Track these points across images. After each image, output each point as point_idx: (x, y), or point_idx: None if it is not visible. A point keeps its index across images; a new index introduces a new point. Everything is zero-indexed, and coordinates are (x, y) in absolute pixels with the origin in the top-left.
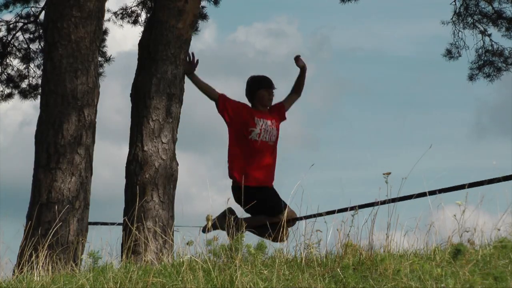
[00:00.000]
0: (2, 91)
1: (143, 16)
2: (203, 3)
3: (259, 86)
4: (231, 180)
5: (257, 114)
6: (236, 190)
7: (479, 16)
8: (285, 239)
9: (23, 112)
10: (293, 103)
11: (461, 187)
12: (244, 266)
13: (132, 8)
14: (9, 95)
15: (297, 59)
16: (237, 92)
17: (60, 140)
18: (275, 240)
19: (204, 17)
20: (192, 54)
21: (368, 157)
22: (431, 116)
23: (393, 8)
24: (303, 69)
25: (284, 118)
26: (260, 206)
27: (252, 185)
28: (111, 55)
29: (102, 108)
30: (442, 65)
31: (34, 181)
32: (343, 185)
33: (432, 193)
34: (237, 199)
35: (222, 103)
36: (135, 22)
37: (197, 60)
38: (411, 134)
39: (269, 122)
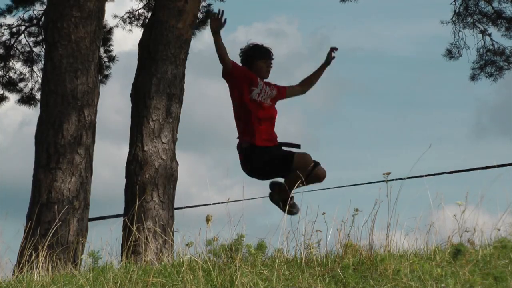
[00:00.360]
0: (2, 93)
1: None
2: (209, 1)
3: (258, 56)
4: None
5: (258, 77)
6: (244, 151)
7: (478, 16)
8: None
9: (23, 112)
10: (293, 96)
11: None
12: (244, 266)
13: (139, 11)
14: (3, 99)
15: (332, 51)
16: None
17: (60, 140)
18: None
19: (213, 15)
20: (222, 11)
21: (368, 157)
22: (431, 116)
23: (393, 8)
24: (327, 64)
25: (283, 97)
26: (273, 164)
27: (259, 144)
28: (115, 55)
29: (102, 108)
30: (442, 65)
31: (34, 181)
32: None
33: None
34: (247, 163)
35: (233, 70)
36: (143, 25)
37: (225, 19)
38: (411, 134)
39: (268, 88)
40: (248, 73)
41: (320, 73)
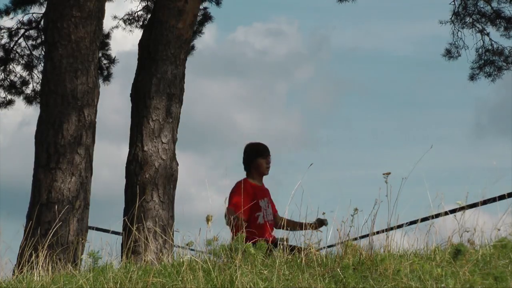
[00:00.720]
0: (4, 97)
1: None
2: (205, 4)
3: (257, 154)
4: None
5: (259, 196)
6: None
7: (477, 15)
8: None
9: (23, 112)
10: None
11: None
12: (244, 266)
13: (138, 13)
14: (10, 102)
15: (321, 223)
16: (235, 92)
17: (60, 140)
18: None
19: (209, 18)
20: None
21: (368, 157)
22: (431, 116)
23: (392, 8)
24: (314, 229)
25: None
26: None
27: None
28: (115, 56)
29: (102, 108)
30: (441, 65)
31: (34, 181)
32: (343, 185)
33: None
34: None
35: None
36: (143, 26)
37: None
38: (411, 134)
39: (266, 200)
40: (249, 201)
41: (304, 228)
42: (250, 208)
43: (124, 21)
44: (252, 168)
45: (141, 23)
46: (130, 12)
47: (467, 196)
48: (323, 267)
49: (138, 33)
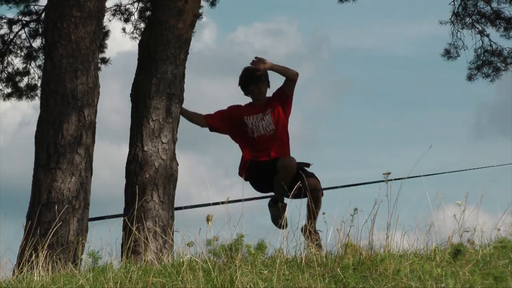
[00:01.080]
0: (1, 90)
1: (136, 15)
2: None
3: (248, 80)
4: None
5: (244, 113)
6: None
7: (477, 16)
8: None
9: (22, 112)
10: (293, 86)
11: None
12: (244, 266)
13: (126, 6)
14: (10, 94)
15: (254, 64)
16: (235, 92)
17: (60, 140)
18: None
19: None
20: None
21: (369, 157)
22: (431, 116)
23: (392, 8)
24: (269, 69)
25: (285, 99)
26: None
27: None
28: (109, 58)
29: (102, 108)
30: (442, 65)
31: (34, 181)
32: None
33: None
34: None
35: (212, 124)
36: (126, 20)
37: None
38: (411, 134)
39: (259, 116)
40: (231, 117)
41: (280, 71)
42: (236, 128)
43: (106, 10)
44: (247, 93)
45: (125, 17)
46: (119, 4)
47: (467, 196)
48: (323, 267)
49: (129, 29)
